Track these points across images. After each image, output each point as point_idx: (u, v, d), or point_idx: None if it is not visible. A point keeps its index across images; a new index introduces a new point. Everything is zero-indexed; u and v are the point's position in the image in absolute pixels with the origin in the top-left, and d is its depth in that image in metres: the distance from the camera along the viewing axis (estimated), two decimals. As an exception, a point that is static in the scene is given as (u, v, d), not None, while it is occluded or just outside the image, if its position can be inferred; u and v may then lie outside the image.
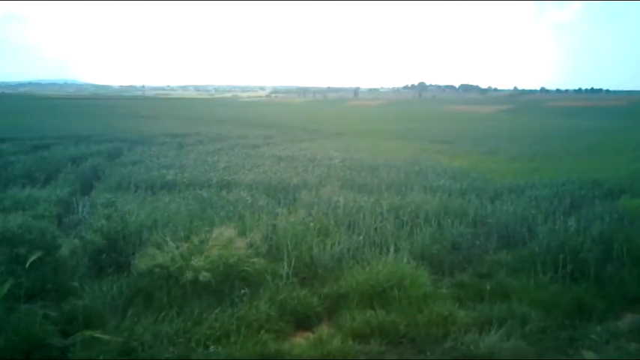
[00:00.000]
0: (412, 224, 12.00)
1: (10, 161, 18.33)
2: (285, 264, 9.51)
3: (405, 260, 9.66)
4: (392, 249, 10.33)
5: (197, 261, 8.93)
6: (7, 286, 7.67)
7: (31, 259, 7.84)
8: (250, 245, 9.81)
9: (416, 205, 13.13)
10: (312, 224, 11.34)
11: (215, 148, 25.43)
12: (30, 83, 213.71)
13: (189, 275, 8.55)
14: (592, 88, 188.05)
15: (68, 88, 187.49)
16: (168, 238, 9.74)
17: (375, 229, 11.72)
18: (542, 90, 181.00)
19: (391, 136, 35.54)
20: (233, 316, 7.83)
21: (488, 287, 9.28)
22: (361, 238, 10.96)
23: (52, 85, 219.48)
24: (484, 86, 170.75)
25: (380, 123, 48.50)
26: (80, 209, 12.13)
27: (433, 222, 12.06)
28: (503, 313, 8.22)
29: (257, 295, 8.55)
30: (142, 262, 9.00)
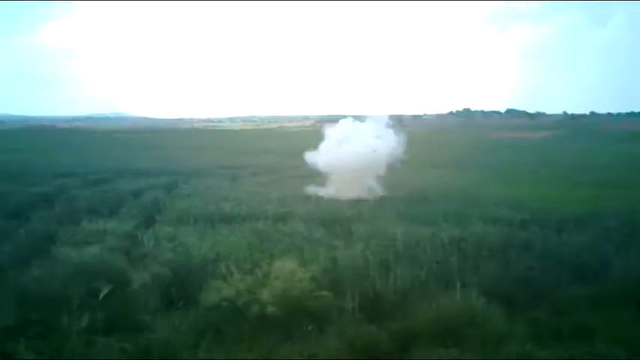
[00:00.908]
0: (476, 257, 11.65)
1: (74, 195, 19.16)
2: (350, 298, 9.39)
3: (474, 296, 9.31)
4: (458, 284, 10.01)
5: (263, 294, 8.95)
6: (85, 320, 7.89)
7: (104, 292, 8.04)
8: (313, 279, 9.76)
9: (477, 236, 12.76)
10: (371, 257, 11.20)
11: (269, 180, 25.79)
12: (86, 118, 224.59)
13: (256, 309, 8.56)
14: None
15: (121, 122, 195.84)
16: (233, 270, 9.81)
17: (437, 262, 11.44)
18: (592, 114, 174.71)
19: (438, 163, 35.06)
20: (304, 352, 7.73)
21: (566, 325, 8.82)
22: (424, 272, 10.72)
23: (106, 119, 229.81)
24: (531, 111, 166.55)
25: (426, 151, 48.01)
26: (145, 242, 12.46)
27: (498, 255, 11.67)
28: (585, 354, 7.74)
29: (325, 331, 8.42)
30: (209, 296, 9.09)
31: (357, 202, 18.33)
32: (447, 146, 57.84)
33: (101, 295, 8.15)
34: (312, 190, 21.60)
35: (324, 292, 9.38)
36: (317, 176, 23.45)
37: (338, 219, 15.74)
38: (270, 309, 8.57)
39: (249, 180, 26.25)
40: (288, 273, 9.84)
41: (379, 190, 21.25)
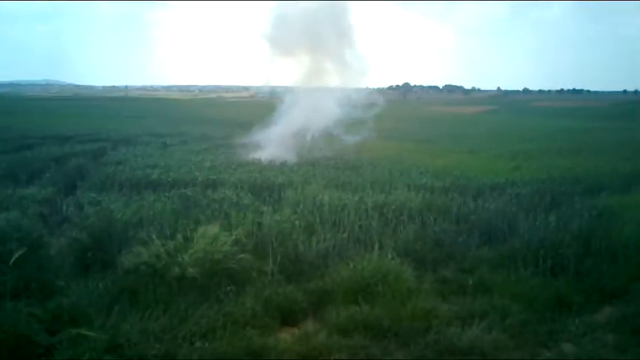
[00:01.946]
0: (396, 222, 12.19)
1: (-9, 161, 18.12)
2: (271, 261, 9.62)
3: (390, 257, 9.80)
4: (376, 246, 10.48)
5: (183, 258, 8.99)
6: (-9, 283, 7.65)
7: (15, 255, 7.81)
8: (236, 242, 9.89)
9: (400, 202, 13.33)
10: (297, 222, 11.46)
11: (200, 148, 25.39)
12: (11, 84, 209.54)
13: (175, 272, 8.60)
14: (574, 89, 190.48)
15: (51, 89, 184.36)
16: (153, 236, 9.76)
17: (360, 226, 11.89)
18: (525, 90, 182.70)
19: (374, 135, 35.78)
20: (219, 312, 7.90)
21: (470, 282, 9.50)
22: (346, 235, 11.13)
23: (34, 85, 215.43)
24: (468, 87, 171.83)
25: (363, 122, 48.83)
26: (65, 208, 12.09)
27: (417, 219, 12.28)
28: (484, 307, 8.41)
29: (243, 292, 8.62)
30: (127, 260, 9.02)
31: (288, 169, 18.52)
32: (382, 118, 58.86)
33: (12, 259, 7.86)
34: (244, 156, 21.68)
35: (245, 255, 9.53)
36: (250, 145, 23.42)
37: (268, 186, 15.87)
38: (190, 271, 8.63)
39: (180, 148, 25.71)
40: (210, 237, 9.93)
41: (308, 157, 21.61)
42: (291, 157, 21.52)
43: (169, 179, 16.07)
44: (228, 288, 8.63)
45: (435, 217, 12.45)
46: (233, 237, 10.02)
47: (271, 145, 23.94)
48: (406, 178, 17.28)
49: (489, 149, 28.27)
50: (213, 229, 10.27)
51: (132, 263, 8.95)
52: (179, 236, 9.91)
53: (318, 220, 11.88)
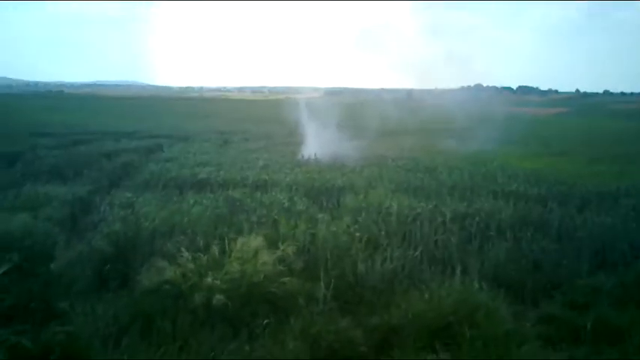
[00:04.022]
0: (482, 237, 9.82)
1: (40, 156, 17.46)
2: (323, 284, 7.64)
3: (477, 285, 7.51)
4: (458, 269, 8.21)
5: (214, 278, 7.21)
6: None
7: (4, 269, 6.31)
8: (281, 260, 8.02)
9: (485, 213, 10.93)
10: (357, 234, 9.43)
11: (258, 146, 23.89)
12: (94, 84, 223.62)
13: (199, 298, 6.81)
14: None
15: (131, 89, 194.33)
16: (183, 248, 8.08)
17: (436, 242, 9.65)
18: (606, 93, 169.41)
19: (448, 135, 33.00)
20: (251, 354, 6.02)
21: (588, 325, 7.03)
22: (418, 253, 8.94)
23: (116, 86, 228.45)
24: (544, 88, 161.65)
25: (435, 123, 45.71)
26: (94, 210, 10.76)
27: (508, 235, 9.84)
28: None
29: (285, 326, 6.69)
30: (147, 278, 7.37)
31: (350, 170, 16.48)
32: (458, 118, 55.43)
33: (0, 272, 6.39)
34: (303, 155, 19.99)
35: (291, 278, 7.61)
36: (311, 144, 21.68)
37: (327, 189, 13.92)
38: (218, 298, 6.81)
39: (239, 145, 24.41)
40: (251, 251, 8.12)
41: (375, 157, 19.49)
42: (355, 157, 19.51)
43: (218, 179, 14.56)
44: (266, 321, 6.72)
45: (532, 232, 9.95)
46: (279, 253, 8.16)
47: (333, 144, 22.05)
48: (491, 183, 14.66)
49: (582, 152, 24.73)
50: (255, 240, 8.47)
51: (153, 282, 7.29)
52: (214, 249, 8.18)
53: (383, 232, 9.79)
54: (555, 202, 12.06)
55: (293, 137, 25.49)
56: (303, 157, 19.50)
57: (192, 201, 11.30)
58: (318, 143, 24.26)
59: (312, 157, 19.27)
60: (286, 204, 11.69)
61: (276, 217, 10.54)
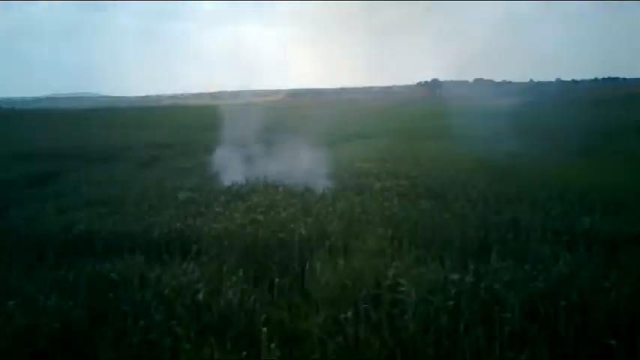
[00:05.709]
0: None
1: None
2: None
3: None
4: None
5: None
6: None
7: None
8: None
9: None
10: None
11: (193, 164, 18.09)
12: (48, 98, 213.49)
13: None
14: (609, 78, 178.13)
15: (84, 101, 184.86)
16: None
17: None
18: (558, 81, 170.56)
19: (425, 134, 28.22)
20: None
21: None
22: None
23: (70, 98, 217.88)
24: (498, 80, 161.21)
25: (404, 122, 41.11)
26: None
27: None
28: None
29: None
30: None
31: (319, 200, 10.98)
32: (427, 115, 51.13)
33: None
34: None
35: None
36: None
37: (281, 244, 8.38)
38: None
39: (168, 164, 18.61)
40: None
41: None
42: (323, 174, 14.14)
43: (104, 233, 8.84)
44: None
45: None
46: None
47: (293, 156, 16.67)
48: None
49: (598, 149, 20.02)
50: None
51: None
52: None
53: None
54: None
55: (241, 149, 19.79)
56: (248, 180, 13.75)
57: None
58: (273, 156, 18.88)
59: (263, 178, 13.66)
60: (201, 292, 6.16)
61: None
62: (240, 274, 6.91)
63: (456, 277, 6.42)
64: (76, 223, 9.57)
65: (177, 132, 37.16)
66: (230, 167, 16.26)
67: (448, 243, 8.10)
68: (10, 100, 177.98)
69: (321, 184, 12.81)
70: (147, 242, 8.63)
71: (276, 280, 6.93)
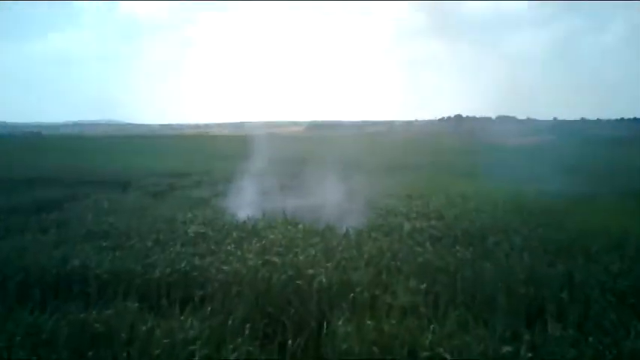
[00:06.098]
0: None
1: None
2: None
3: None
4: None
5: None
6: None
7: None
8: None
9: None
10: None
11: (209, 194, 17.17)
12: (75, 124, 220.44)
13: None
14: (634, 118, 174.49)
15: (109, 128, 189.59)
16: None
17: None
18: (583, 120, 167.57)
19: (456, 171, 26.94)
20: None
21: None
22: None
23: (95, 125, 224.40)
24: (522, 117, 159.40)
25: (435, 154, 39.91)
26: None
27: None
28: None
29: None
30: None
31: (342, 241, 9.86)
32: (460, 149, 49.85)
33: None
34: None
35: None
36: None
37: (298, 294, 7.30)
38: None
39: (183, 194, 17.70)
40: None
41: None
42: (347, 210, 13.07)
43: (93, 275, 7.80)
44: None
45: None
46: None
47: (315, 189, 15.71)
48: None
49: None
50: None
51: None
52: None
53: None
54: None
55: (261, 180, 18.85)
56: (265, 214, 12.73)
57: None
58: (294, 189, 17.99)
59: (281, 214, 12.62)
60: (197, 355, 5.06)
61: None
62: (247, 331, 5.82)
63: (508, 349, 5.24)
64: (71, 258, 8.64)
65: (196, 160, 36.69)
66: (248, 199, 15.35)
67: (492, 300, 6.89)
68: (39, 125, 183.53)
69: (345, 221, 11.71)
70: (146, 283, 7.62)
71: (289, 341, 5.80)
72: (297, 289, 7.21)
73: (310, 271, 7.64)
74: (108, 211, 13.59)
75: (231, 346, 5.38)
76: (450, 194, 16.51)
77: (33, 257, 8.74)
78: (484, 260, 8.35)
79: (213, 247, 9.42)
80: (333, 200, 14.61)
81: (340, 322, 6.02)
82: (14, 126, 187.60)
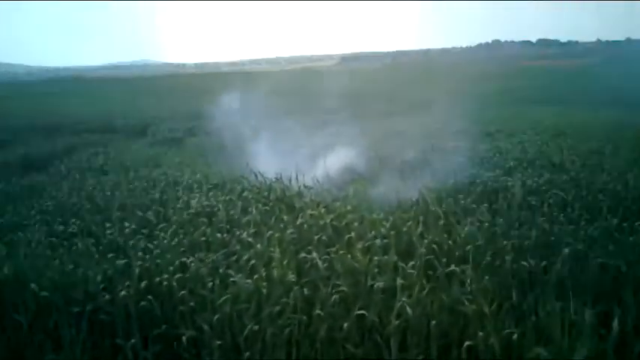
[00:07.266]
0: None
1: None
2: None
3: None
4: None
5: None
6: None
7: None
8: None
9: None
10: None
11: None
12: (111, 66, 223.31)
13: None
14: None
15: (146, 70, 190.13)
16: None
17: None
18: (628, 40, 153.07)
19: (524, 99, 22.78)
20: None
21: None
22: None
23: (131, 67, 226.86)
24: (564, 40, 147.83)
25: (490, 82, 35.27)
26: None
27: None
28: None
29: None
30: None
31: (391, 213, 6.39)
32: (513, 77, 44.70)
33: None
34: None
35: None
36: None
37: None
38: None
39: (203, 140, 14.67)
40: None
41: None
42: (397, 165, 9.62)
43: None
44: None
45: None
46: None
47: (358, 138, 12.31)
48: None
49: None
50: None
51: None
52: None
53: None
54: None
55: (291, 124, 15.23)
56: (295, 177, 8.83)
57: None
58: (334, 140, 13.97)
59: (320, 175, 9.05)
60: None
61: None
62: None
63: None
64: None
65: (224, 100, 33.41)
66: (283, 152, 11.67)
67: None
68: (75, 69, 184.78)
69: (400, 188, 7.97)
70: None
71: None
72: (363, 328, 3.97)
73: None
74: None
75: None
76: (538, 129, 12.69)
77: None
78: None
79: (223, 233, 6.23)
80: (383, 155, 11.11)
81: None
82: (56, 70, 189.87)
